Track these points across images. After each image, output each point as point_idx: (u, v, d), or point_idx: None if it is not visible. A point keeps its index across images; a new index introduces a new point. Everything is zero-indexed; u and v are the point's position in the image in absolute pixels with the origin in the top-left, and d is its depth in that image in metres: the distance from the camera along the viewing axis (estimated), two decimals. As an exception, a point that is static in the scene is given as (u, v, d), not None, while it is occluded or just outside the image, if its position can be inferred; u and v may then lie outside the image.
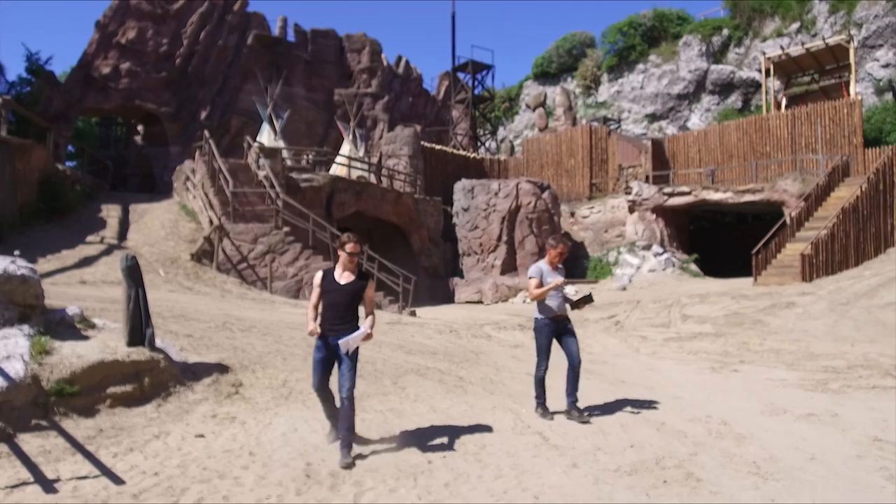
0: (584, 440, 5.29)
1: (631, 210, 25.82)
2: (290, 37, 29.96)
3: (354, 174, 23.95)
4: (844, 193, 19.73)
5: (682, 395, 7.02)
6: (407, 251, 23.63)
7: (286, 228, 17.43)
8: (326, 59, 31.11)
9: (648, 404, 6.53)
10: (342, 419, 4.73)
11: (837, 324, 12.73)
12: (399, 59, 35.44)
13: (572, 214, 27.76)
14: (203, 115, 27.15)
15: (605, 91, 38.97)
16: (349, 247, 4.88)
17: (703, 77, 35.14)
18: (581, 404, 6.02)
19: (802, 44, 27.46)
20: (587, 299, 6.26)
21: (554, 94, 37.00)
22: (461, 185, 25.36)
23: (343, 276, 4.93)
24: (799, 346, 10.73)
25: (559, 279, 5.98)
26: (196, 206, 18.76)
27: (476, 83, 37.70)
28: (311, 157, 25.28)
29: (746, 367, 8.99)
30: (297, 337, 9.01)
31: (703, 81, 35.19)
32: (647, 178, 26.80)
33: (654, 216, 25.37)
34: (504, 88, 44.59)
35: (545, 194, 24.77)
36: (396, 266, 18.68)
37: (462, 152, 31.72)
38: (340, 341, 4.74)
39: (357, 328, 4.87)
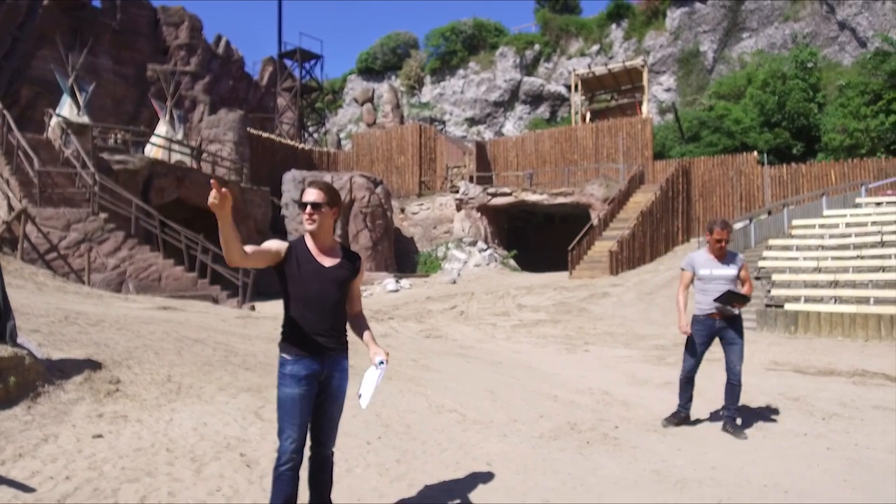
0: (497, 414, 5.66)
1: (458, 208, 27.10)
2: (96, 2, 26.71)
3: (174, 158, 22.13)
4: (641, 199, 22.70)
5: (557, 372, 7.74)
6: (233, 243, 22.35)
7: (104, 215, 15.65)
8: (138, 31, 28.25)
9: (534, 380, 7.11)
10: (321, 488, 3.13)
11: (647, 310, 14.71)
12: (219, 38, 33.32)
13: (402, 210, 28.40)
14: (-17, 80, 23.22)
15: (428, 92, 40.29)
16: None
17: (517, 87, 37.92)
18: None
19: (605, 65, 30.94)
20: (737, 297, 4.89)
21: (381, 90, 37.43)
22: (291, 176, 24.65)
23: (323, 254, 2.91)
24: (625, 329, 12.26)
25: (726, 274, 4.87)
26: (-15, 186, 16.05)
27: (304, 72, 36.76)
28: (120, 136, 22.83)
29: (594, 348, 10.10)
30: (158, 331, 8.26)
31: (517, 91, 37.98)
32: (471, 178, 28.31)
33: (479, 214, 26.90)
34: (328, 80, 44.04)
35: (378, 189, 25.05)
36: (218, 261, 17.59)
37: (290, 142, 30.78)
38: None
39: (346, 346, 3.00)
